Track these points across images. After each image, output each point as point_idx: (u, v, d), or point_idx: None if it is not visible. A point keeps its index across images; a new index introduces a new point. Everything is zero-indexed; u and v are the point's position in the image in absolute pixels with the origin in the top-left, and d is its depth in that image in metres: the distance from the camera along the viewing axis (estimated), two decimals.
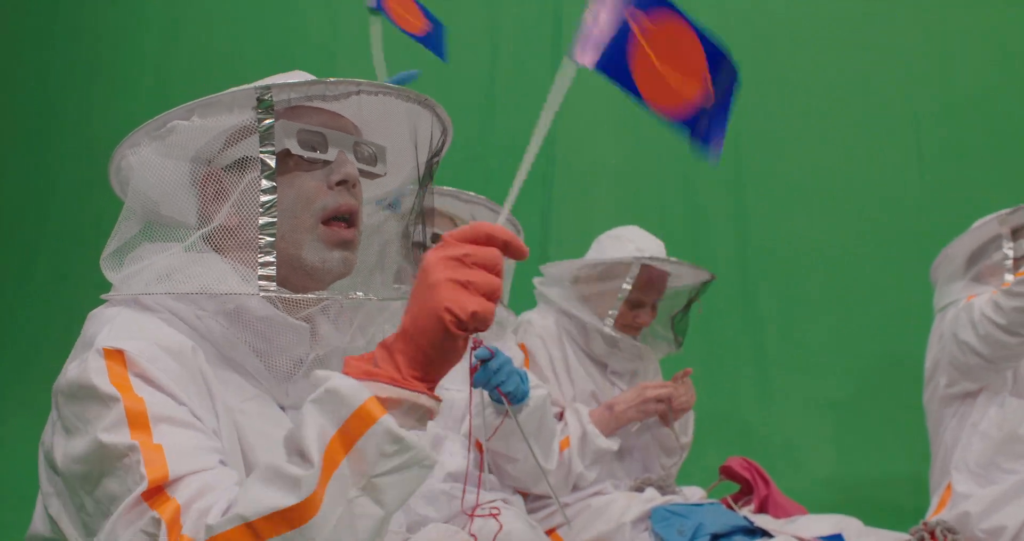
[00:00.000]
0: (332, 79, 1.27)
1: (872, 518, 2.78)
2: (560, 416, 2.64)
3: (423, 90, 4.21)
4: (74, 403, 1.10)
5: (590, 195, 4.30)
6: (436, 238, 2.32)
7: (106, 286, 1.27)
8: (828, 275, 4.22)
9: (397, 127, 1.39)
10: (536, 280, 2.83)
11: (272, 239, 1.21)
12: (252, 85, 1.24)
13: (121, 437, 1.04)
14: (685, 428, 2.86)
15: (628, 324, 2.72)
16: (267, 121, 1.22)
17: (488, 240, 1.02)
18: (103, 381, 1.08)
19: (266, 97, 1.22)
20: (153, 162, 1.27)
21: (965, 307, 2.70)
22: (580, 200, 4.28)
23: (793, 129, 4.36)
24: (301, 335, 1.25)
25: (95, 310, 1.24)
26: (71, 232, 4.65)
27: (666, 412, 2.67)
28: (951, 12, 4.35)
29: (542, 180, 4.33)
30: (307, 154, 1.27)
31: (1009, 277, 2.70)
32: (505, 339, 2.58)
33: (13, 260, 4.72)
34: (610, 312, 2.66)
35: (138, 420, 1.06)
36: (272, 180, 1.21)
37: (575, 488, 2.55)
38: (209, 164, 1.28)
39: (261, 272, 1.19)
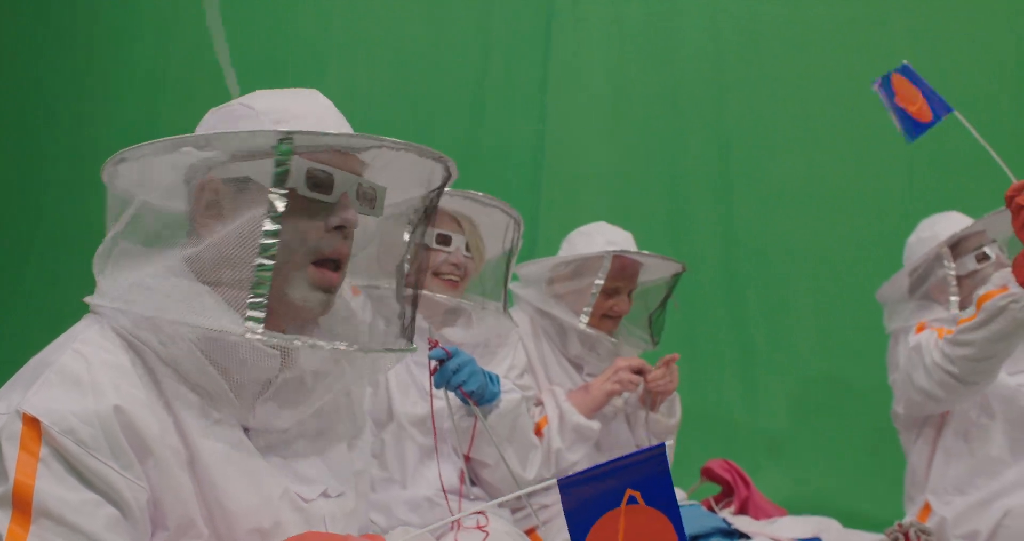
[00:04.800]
0: (357, 134, 1.27)
1: (852, 520, 2.82)
2: (538, 403, 2.65)
3: (411, 95, 4.22)
4: None
5: (578, 200, 4.32)
6: (442, 239, 2.34)
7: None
8: (814, 278, 4.25)
9: (403, 172, 1.39)
10: (512, 284, 2.86)
11: (266, 284, 1.21)
12: (274, 129, 1.23)
13: (1, 518, 1.09)
14: (672, 409, 2.87)
15: (605, 314, 2.74)
16: (283, 168, 1.21)
17: None
18: (10, 451, 1.11)
19: (286, 145, 1.21)
20: (156, 167, 1.27)
21: (916, 348, 2.71)
22: (568, 205, 4.30)
23: (781, 133, 4.39)
24: (272, 361, 1.26)
25: (75, 326, 1.27)
26: (62, 236, 4.64)
27: (639, 382, 2.67)
28: (942, 17, 4.37)
29: (531, 186, 4.36)
30: (312, 195, 1.28)
31: (955, 298, 2.73)
32: (507, 340, 2.60)
33: (3, 264, 4.73)
34: (584, 309, 2.68)
35: (22, 505, 1.09)
36: (278, 224, 1.21)
37: (558, 468, 2.53)
38: (209, 170, 1.29)
39: (250, 314, 1.20)
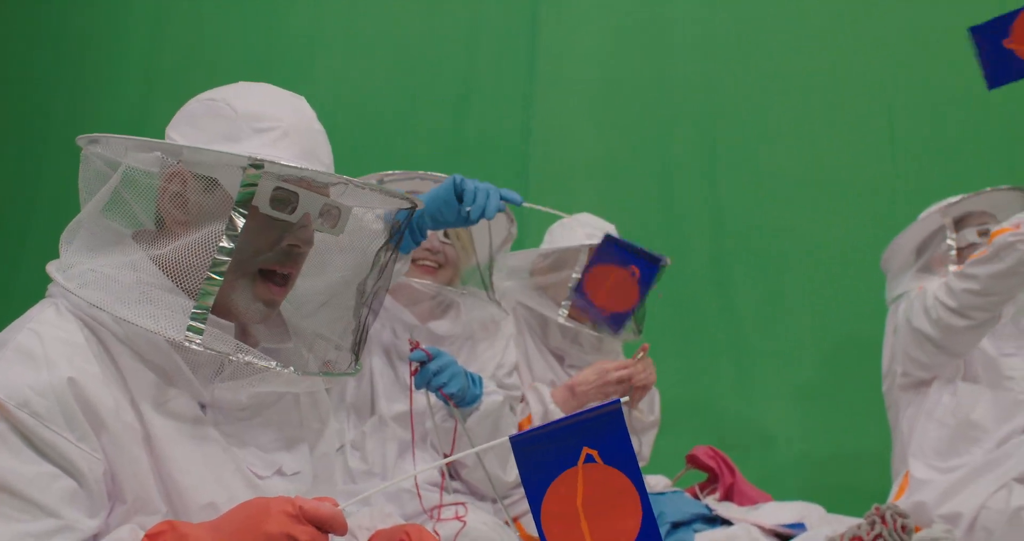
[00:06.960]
0: (325, 173, 1.29)
1: (843, 503, 2.83)
2: (521, 399, 2.65)
3: (397, 85, 4.17)
4: None
5: (566, 190, 4.32)
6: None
7: None
8: (805, 265, 4.25)
9: (372, 198, 1.41)
10: (496, 275, 2.86)
11: (212, 295, 1.24)
12: (245, 153, 1.25)
13: None
14: (651, 406, 2.86)
15: None
16: (248, 191, 1.24)
17: (329, 527, 1.14)
18: None
19: (254, 174, 1.24)
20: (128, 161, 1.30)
21: (918, 295, 2.75)
22: (557, 195, 4.28)
23: (769, 120, 4.38)
24: (227, 334, 1.29)
25: (32, 308, 1.30)
26: (57, 232, 4.62)
27: (627, 391, 2.64)
28: (933, 6, 4.36)
29: (517, 176, 4.36)
30: (274, 214, 1.29)
31: (953, 268, 2.75)
32: (497, 337, 2.60)
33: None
34: (563, 303, 2.66)
35: None
36: (234, 241, 1.24)
37: None
38: (180, 159, 1.29)
39: (191, 323, 1.23)
